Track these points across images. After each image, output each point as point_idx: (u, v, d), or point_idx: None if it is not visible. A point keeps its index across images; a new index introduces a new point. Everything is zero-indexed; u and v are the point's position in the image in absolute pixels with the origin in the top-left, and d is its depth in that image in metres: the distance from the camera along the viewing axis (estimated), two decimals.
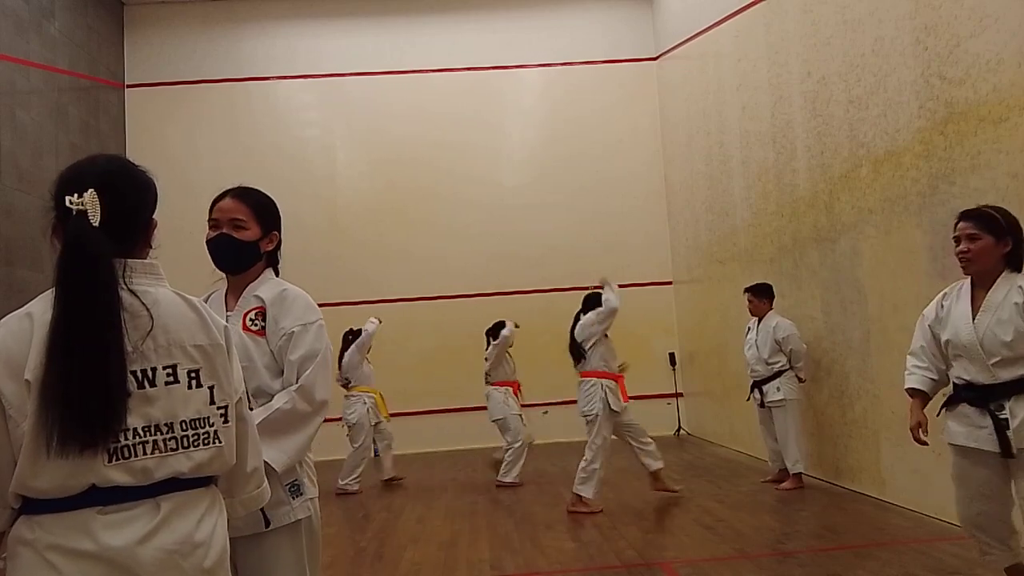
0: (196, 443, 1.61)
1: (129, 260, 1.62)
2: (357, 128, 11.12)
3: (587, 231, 10.94)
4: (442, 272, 10.79)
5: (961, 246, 3.15)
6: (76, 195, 1.54)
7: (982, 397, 3.06)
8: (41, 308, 1.55)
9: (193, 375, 1.62)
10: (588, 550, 5.12)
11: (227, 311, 2.40)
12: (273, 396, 2.30)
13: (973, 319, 3.12)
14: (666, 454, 8.39)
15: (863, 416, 6.15)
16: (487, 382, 8.03)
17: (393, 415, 9.75)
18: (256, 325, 2.37)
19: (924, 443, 3.33)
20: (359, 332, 8.03)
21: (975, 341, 3.06)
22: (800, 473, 6.63)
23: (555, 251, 10.87)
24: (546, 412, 10.51)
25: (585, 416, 6.37)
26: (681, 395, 10.84)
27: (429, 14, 11.23)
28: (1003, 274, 3.09)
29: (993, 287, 3.10)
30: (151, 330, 1.58)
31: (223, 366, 1.68)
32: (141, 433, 1.55)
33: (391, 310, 10.23)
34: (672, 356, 10.87)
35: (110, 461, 1.51)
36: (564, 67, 11.32)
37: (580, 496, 6.17)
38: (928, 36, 5.15)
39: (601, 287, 6.63)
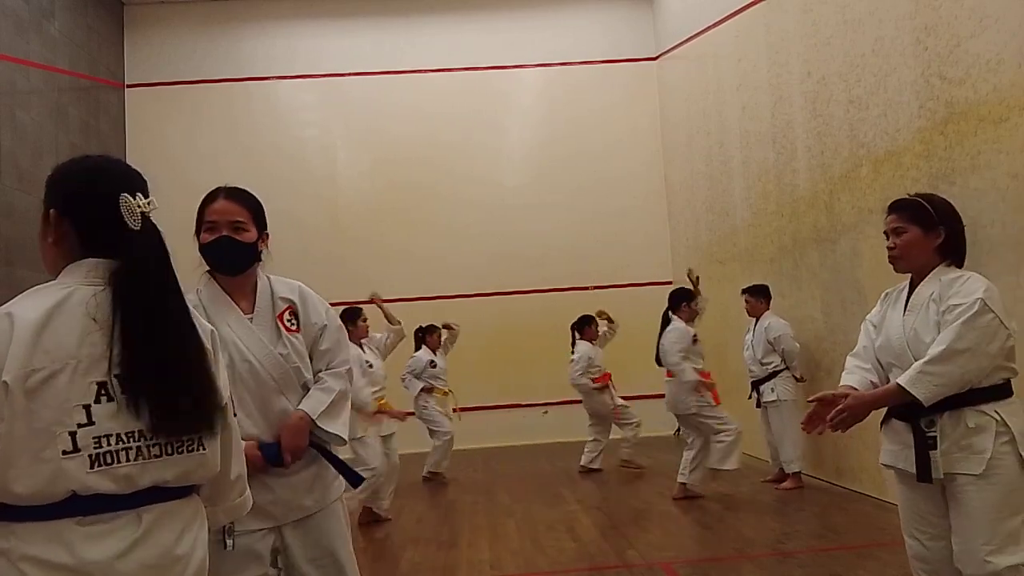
0: (181, 450, 1.56)
1: None
2: (357, 128, 11.11)
3: (587, 231, 10.94)
4: (442, 272, 10.78)
5: (888, 242, 2.76)
6: (142, 196, 1.59)
7: (912, 411, 2.55)
8: (24, 307, 1.51)
9: None
10: (588, 550, 5.12)
11: (245, 314, 2.44)
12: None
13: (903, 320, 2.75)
14: (666, 454, 8.42)
15: None
16: (582, 380, 8.11)
17: (393, 415, 9.76)
18: (293, 324, 2.49)
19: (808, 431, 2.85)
20: (429, 328, 8.23)
21: (904, 346, 2.64)
22: (799, 472, 6.64)
23: (555, 251, 10.87)
24: (546, 412, 10.52)
25: (679, 416, 6.50)
26: None
27: (429, 14, 11.22)
28: (936, 268, 2.67)
29: (921, 283, 2.69)
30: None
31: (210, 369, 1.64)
32: (124, 438, 1.50)
33: (392, 310, 10.23)
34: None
35: (92, 467, 1.46)
36: (564, 67, 11.31)
37: (685, 484, 6.34)
38: (928, 36, 5.15)
39: (692, 280, 6.76)
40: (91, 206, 1.59)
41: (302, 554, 2.38)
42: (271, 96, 11.06)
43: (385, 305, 6.67)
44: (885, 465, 2.81)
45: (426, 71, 11.16)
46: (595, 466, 8.16)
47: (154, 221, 1.61)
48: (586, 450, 8.20)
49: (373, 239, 10.70)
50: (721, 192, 9.05)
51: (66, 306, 1.53)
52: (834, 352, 6.55)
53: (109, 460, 1.48)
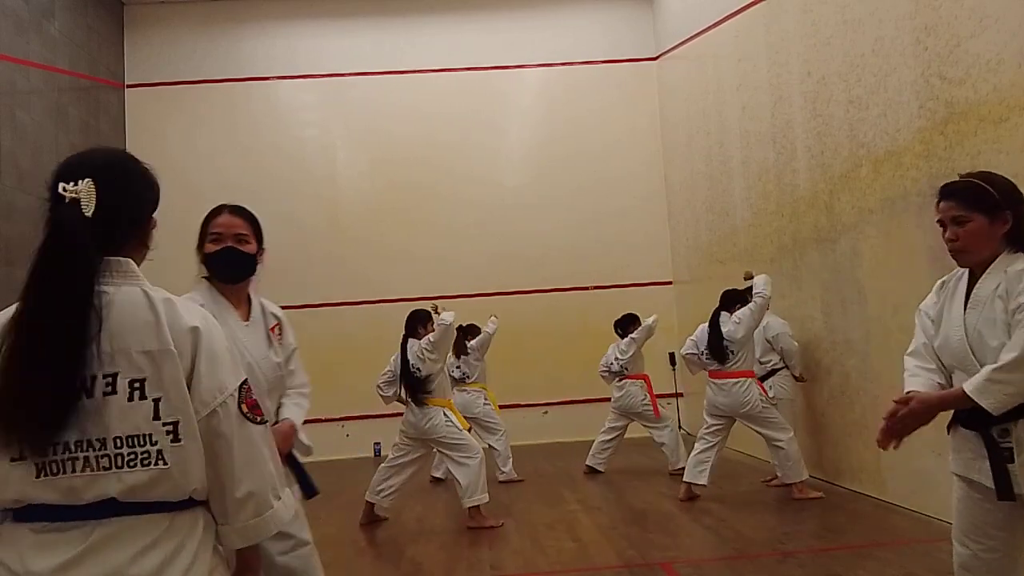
0: (132, 463, 1.42)
1: (109, 258, 1.51)
2: (357, 128, 11.11)
3: (587, 231, 10.94)
4: (442, 272, 10.78)
5: (947, 232, 2.45)
6: (72, 183, 1.47)
7: (980, 419, 2.27)
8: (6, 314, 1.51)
9: (136, 386, 1.44)
10: (588, 550, 5.12)
11: (243, 321, 2.65)
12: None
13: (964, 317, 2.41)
14: (666, 454, 8.40)
15: (863, 416, 6.15)
16: (620, 376, 7.96)
17: (394, 415, 9.75)
18: (279, 339, 2.73)
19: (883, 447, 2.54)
20: (470, 328, 8.14)
21: (966, 347, 2.35)
22: None
23: (555, 251, 10.87)
24: (546, 412, 10.52)
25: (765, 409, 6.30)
26: (681, 395, 10.83)
27: (429, 14, 11.22)
28: (1000, 257, 2.35)
29: (983, 276, 2.38)
30: (96, 334, 1.43)
31: (172, 376, 1.47)
32: (72, 448, 1.41)
33: (392, 310, 10.22)
34: (672, 356, 10.85)
35: (38, 476, 1.41)
36: (564, 67, 11.32)
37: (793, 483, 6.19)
38: (928, 36, 5.15)
39: (748, 278, 6.54)
40: (51, 199, 1.55)
41: (274, 550, 2.55)
42: (271, 96, 11.06)
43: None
44: (957, 475, 2.54)
45: (426, 71, 11.16)
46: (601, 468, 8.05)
47: (78, 205, 1.48)
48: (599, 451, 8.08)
49: (373, 239, 10.70)
50: (721, 192, 9.05)
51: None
52: (834, 352, 6.55)
53: (55, 470, 1.40)
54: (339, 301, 9.98)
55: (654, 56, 11.26)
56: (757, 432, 6.36)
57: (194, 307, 1.59)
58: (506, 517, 6.15)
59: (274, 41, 11.10)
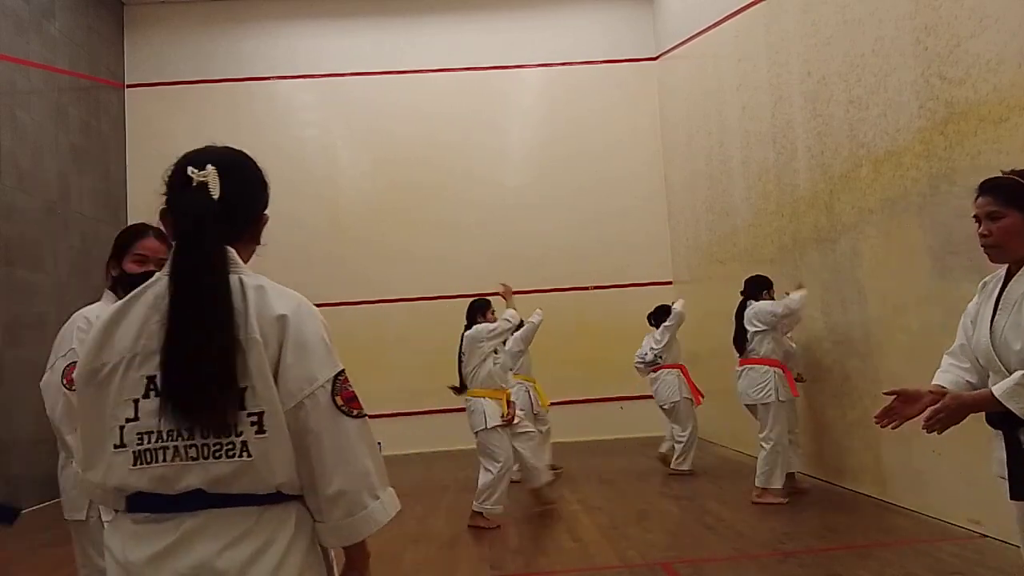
0: (218, 454, 1.41)
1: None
2: (358, 128, 11.11)
3: (587, 231, 10.95)
4: (443, 272, 10.79)
5: (981, 228, 2.41)
6: (198, 168, 1.50)
7: (1011, 421, 2.27)
8: (113, 305, 1.55)
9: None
10: (588, 550, 5.12)
11: None
12: None
13: (992, 319, 2.39)
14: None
15: (863, 416, 6.15)
16: (654, 368, 7.86)
17: (394, 415, 9.76)
18: None
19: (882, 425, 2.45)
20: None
21: (991, 350, 2.34)
22: (792, 472, 6.69)
23: (555, 251, 10.87)
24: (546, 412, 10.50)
25: (751, 406, 6.25)
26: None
27: (429, 14, 11.23)
28: None
29: (1015, 278, 2.35)
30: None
31: (258, 365, 1.43)
32: (164, 437, 1.42)
33: (392, 310, 10.25)
34: None
35: (134, 464, 1.43)
36: (564, 67, 11.32)
37: (765, 488, 6.10)
38: (928, 36, 5.15)
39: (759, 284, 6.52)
40: (167, 185, 1.56)
41: None
42: (271, 96, 11.06)
43: (511, 296, 6.65)
44: (1000, 476, 2.50)
45: (427, 71, 11.16)
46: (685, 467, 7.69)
47: (206, 188, 1.49)
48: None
49: (373, 239, 10.70)
50: (721, 192, 9.05)
51: (139, 299, 1.51)
52: (834, 352, 6.55)
53: (149, 459, 1.42)
54: (339, 301, 9.97)
55: (654, 56, 11.26)
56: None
57: (288, 294, 1.53)
58: (507, 517, 6.16)
59: (275, 41, 11.11)
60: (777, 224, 7.57)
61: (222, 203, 1.50)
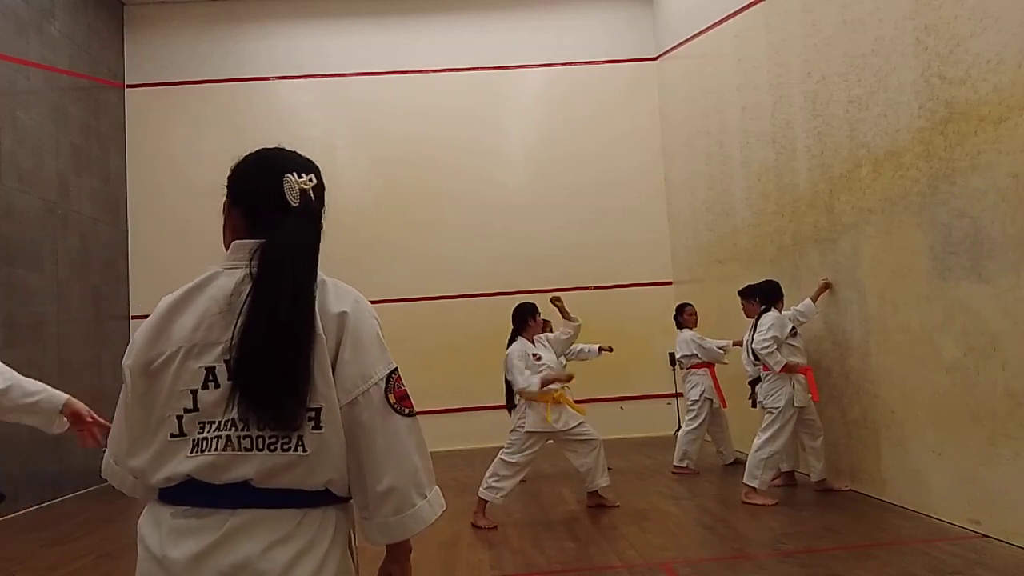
0: (273, 447, 1.41)
1: None
2: (358, 128, 11.11)
3: (587, 231, 10.95)
4: (443, 272, 10.79)
5: None
6: (303, 175, 1.56)
7: None
8: (170, 295, 1.55)
9: None
10: (588, 550, 5.12)
11: None
12: None
13: None
14: (666, 454, 8.41)
15: (863, 416, 6.15)
16: (684, 366, 7.93)
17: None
18: None
19: None
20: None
21: None
22: (791, 471, 6.76)
23: (555, 251, 10.87)
24: None
25: (768, 410, 6.22)
26: (681, 395, 10.78)
27: (429, 14, 11.23)
28: None
29: None
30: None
31: (320, 361, 1.44)
32: (221, 426, 1.42)
33: (393, 310, 10.24)
34: (672, 356, 10.85)
35: (191, 452, 1.42)
36: (564, 67, 11.32)
37: (753, 487, 6.09)
38: (928, 36, 5.15)
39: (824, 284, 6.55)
40: (255, 189, 1.59)
41: None
42: (272, 96, 11.06)
43: (563, 304, 6.61)
44: None
45: (427, 71, 11.16)
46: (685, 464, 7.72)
47: (314, 200, 1.56)
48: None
49: (373, 239, 10.70)
50: (721, 192, 9.05)
51: (197, 290, 1.52)
52: (834, 352, 6.55)
53: (204, 447, 1.42)
54: None
55: (654, 56, 11.26)
56: None
57: (346, 290, 1.55)
58: (507, 517, 6.16)
59: (275, 41, 11.11)
60: (777, 224, 7.57)
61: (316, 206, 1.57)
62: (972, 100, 4.78)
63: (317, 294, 1.48)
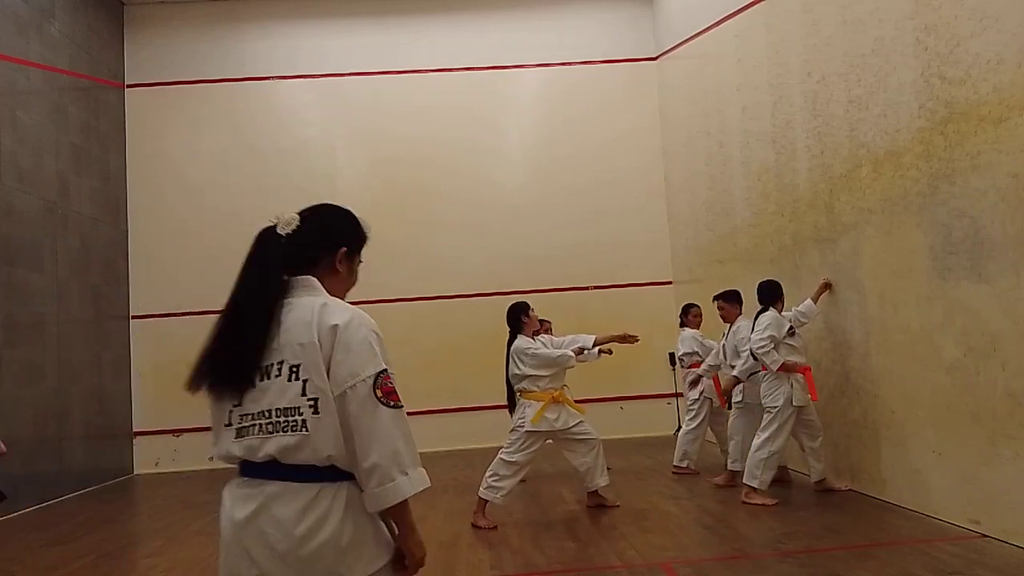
0: (285, 428, 1.84)
1: (295, 277, 2.00)
2: (357, 128, 11.11)
3: (587, 231, 10.95)
4: (442, 272, 10.79)
5: None
6: (282, 215, 2.04)
7: None
8: None
9: (294, 369, 1.87)
10: (588, 550, 5.12)
11: None
12: None
13: None
14: (666, 454, 8.41)
15: (863, 416, 6.15)
16: (684, 364, 8.00)
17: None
18: None
19: None
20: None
21: None
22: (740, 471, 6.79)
23: (555, 251, 10.87)
24: None
25: (767, 409, 6.21)
26: (681, 395, 10.79)
27: (429, 14, 11.23)
28: None
29: None
30: (276, 333, 1.89)
31: (314, 362, 1.86)
32: (254, 416, 1.87)
33: (392, 310, 10.24)
34: (672, 356, 10.86)
35: (236, 438, 1.89)
36: (564, 67, 11.32)
37: (753, 487, 6.07)
38: (928, 36, 5.15)
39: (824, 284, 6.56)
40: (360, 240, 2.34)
41: None
42: (271, 96, 11.06)
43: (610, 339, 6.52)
44: None
45: (426, 71, 11.16)
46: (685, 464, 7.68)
47: (274, 230, 2.05)
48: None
49: (373, 239, 10.62)
50: (721, 192, 9.05)
51: None
52: (834, 352, 6.55)
53: (244, 433, 1.88)
54: None
55: (654, 56, 11.26)
56: None
57: (343, 309, 1.96)
58: (507, 517, 6.16)
59: (274, 41, 11.10)
60: (777, 224, 7.57)
61: (289, 244, 2.03)
62: (972, 100, 4.78)
63: (317, 312, 1.92)
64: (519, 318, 6.28)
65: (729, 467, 6.92)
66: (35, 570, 5.38)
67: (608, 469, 6.47)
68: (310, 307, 1.92)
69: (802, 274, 7.05)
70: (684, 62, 10.14)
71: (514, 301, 6.52)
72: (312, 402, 1.84)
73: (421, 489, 1.91)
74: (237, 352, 1.88)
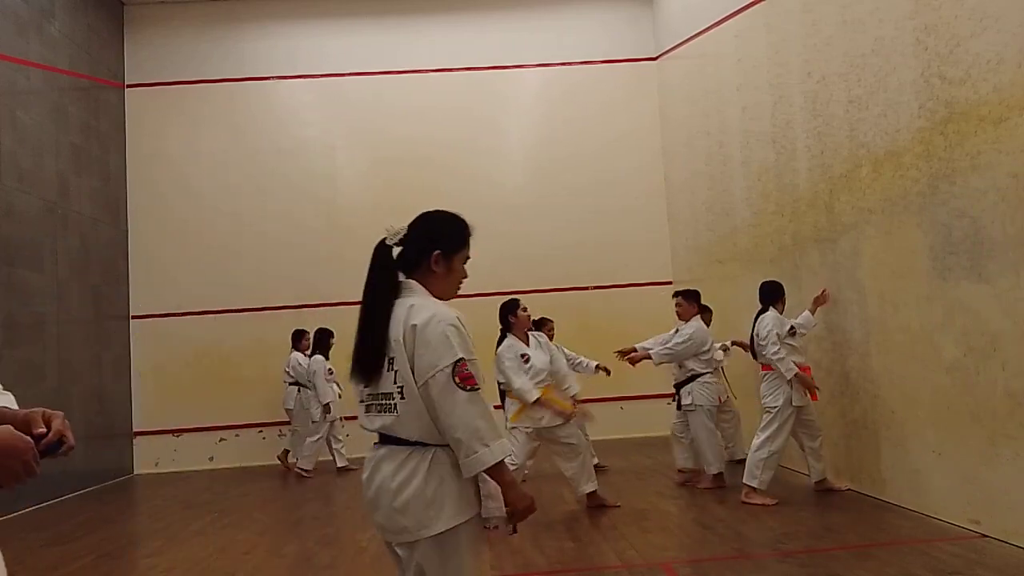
0: (384, 410, 2.27)
1: (405, 280, 2.44)
2: (357, 128, 11.11)
3: (587, 231, 10.94)
4: None
5: None
6: (392, 227, 2.58)
7: None
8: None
9: (391, 361, 2.25)
10: (588, 550, 5.12)
11: None
12: None
13: None
14: (666, 454, 8.40)
15: (863, 416, 6.15)
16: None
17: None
18: None
19: None
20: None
21: None
22: (720, 474, 6.83)
23: (555, 251, 10.87)
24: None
25: (767, 409, 6.18)
26: None
27: (429, 14, 11.22)
28: None
29: None
30: (387, 329, 2.28)
31: (400, 356, 2.23)
32: (373, 397, 2.31)
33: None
34: None
35: (365, 413, 2.35)
36: (564, 67, 11.31)
37: (753, 487, 6.05)
38: (928, 36, 5.15)
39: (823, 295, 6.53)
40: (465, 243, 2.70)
41: None
42: (271, 96, 11.06)
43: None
44: None
45: (426, 71, 11.16)
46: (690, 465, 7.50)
47: (383, 242, 2.63)
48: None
49: (373, 239, 10.52)
50: (721, 192, 9.05)
51: None
52: (834, 352, 6.55)
53: (368, 410, 2.34)
54: (339, 301, 9.95)
55: (654, 56, 11.26)
56: None
57: (426, 309, 2.28)
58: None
59: (274, 41, 11.10)
60: (777, 224, 7.57)
61: (402, 250, 2.55)
62: (972, 100, 4.78)
63: (405, 312, 2.30)
64: (507, 317, 6.27)
65: (680, 465, 7.12)
66: (35, 570, 5.38)
67: (604, 467, 6.44)
68: (405, 308, 2.29)
69: (802, 274, 7.05)
70: (684, 62, 10.14)
71: (505, 300, 6.49)
72: (399, 389, 2.22)
73: (502, 457, 2.19)
74: (359, 346, 2.32)
